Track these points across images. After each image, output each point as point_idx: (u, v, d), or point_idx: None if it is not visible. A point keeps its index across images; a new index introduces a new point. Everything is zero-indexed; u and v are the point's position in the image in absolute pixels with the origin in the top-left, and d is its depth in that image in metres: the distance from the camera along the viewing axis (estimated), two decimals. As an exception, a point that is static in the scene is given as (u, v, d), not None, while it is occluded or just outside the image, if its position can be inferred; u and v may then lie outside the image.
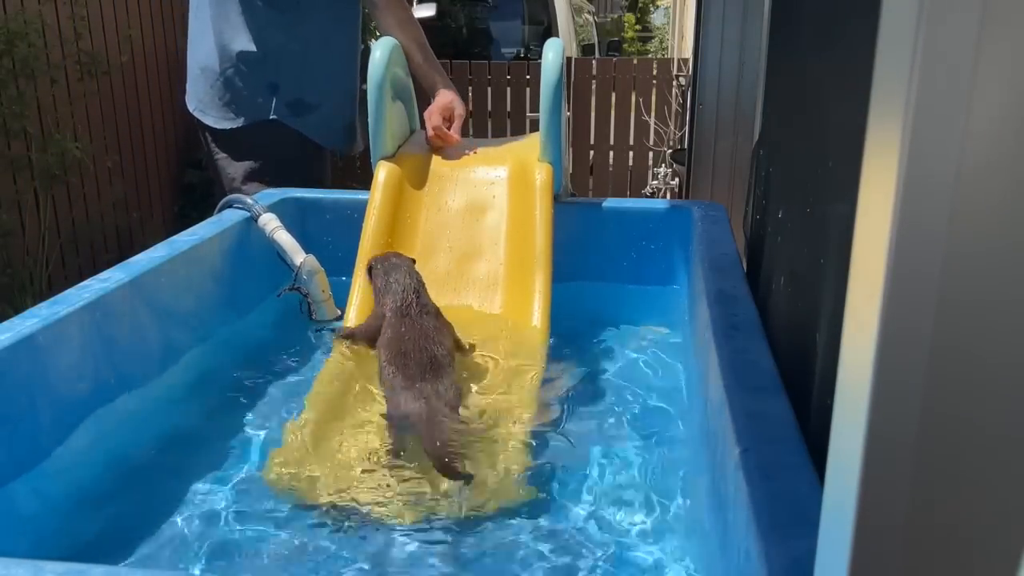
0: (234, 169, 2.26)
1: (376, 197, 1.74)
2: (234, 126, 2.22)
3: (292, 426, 1.30)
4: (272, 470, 1.21)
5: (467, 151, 1.88)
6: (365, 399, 1.38)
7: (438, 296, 1.66)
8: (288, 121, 2.21)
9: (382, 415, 1.30)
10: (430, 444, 1.18)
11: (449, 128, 1.90)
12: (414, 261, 1.55)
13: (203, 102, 2.25)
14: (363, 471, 1.20)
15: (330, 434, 1.29)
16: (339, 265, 1.76)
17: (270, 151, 2.23)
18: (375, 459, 1.22)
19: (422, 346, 1.34)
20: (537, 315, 1.58)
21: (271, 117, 2.20)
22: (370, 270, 1.54)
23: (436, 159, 1.85)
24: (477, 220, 1.74)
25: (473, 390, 1.41)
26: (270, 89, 2.20)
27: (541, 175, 1.72)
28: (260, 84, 2.20)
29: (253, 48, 2.17)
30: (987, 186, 0.38)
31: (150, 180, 4.26)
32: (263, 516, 1.14)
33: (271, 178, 2.18)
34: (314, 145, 2.28)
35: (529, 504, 1.16)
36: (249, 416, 1.41)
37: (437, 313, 1.46)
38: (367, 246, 1.68)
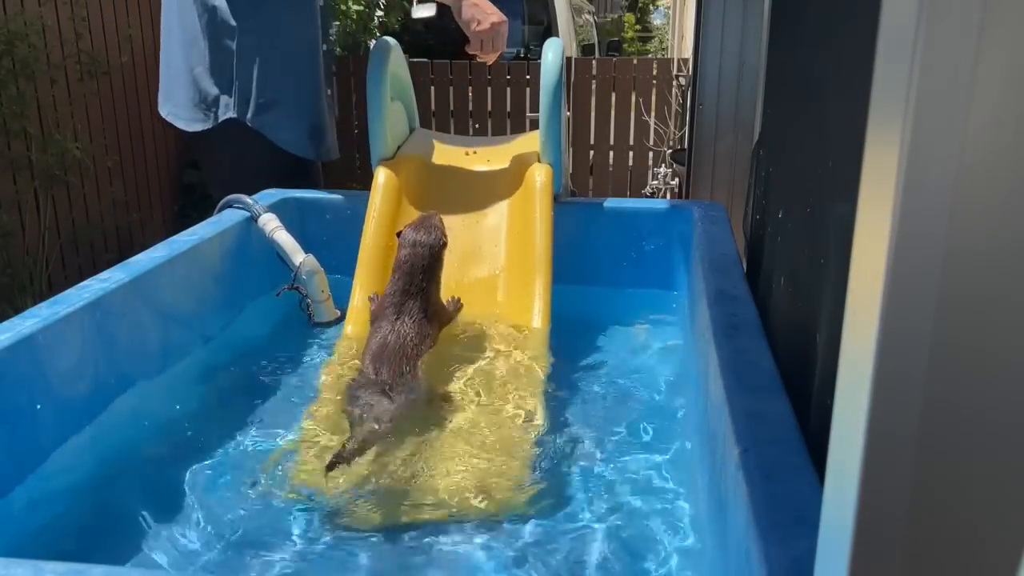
0: (213, 175, 2.21)
1: (376, 200, 1.73)
2: (203, 128, 2.15)
3: (307, 431, 1.31)
4: (298, 476, 1.21)
5: (467, 152, 1.88)
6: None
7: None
8: (249, 121, 2.12)
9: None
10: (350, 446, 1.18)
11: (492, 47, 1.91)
12: (444, 244, 1.48)
13: (177, 105, 2.19)
14: (364, 473, 1.20)
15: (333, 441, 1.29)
16: (338, 265, 1.76)
17: (241, 156, 2.14)
18: (375, 462, 1.23)
19: (396, 357, 1.36)
20: (538, 317, 1.58)
21: (232, 115, 2.12)
22: (398, 234, 1.51)
23: (436, 161, 1.85)
24: (477, 222, 1.74)
25: (474, 391, 1.41)
26: (228, 86, 2.12)
27: (541, 176, 1.72)
28: (219, 81, 2.12)
29: (209, 42, 2.10)
30: (987, 186, 0.38)
31: (150, 180, 4.26)
32: (263, 516, 1.14)
33: (249, 186, 2.11)
34: (285, 152, 2.17)
35: (529, 506, 1.16)
36: (249, 416, 1.41)
37: (435, 312, 1.46)
38: (367, 250, 1.68)
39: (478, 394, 1.40)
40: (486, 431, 1.30)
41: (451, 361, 1.50)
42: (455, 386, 1.43)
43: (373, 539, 1.10)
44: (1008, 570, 0.41)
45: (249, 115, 2.12)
